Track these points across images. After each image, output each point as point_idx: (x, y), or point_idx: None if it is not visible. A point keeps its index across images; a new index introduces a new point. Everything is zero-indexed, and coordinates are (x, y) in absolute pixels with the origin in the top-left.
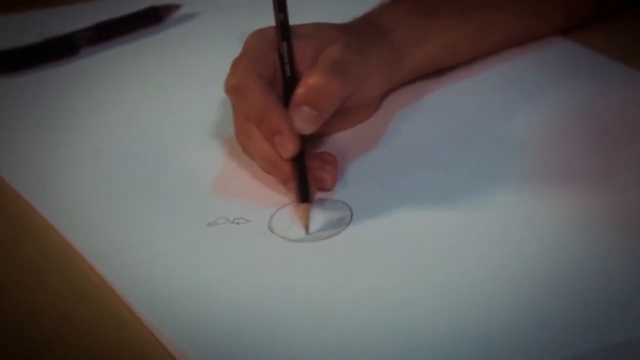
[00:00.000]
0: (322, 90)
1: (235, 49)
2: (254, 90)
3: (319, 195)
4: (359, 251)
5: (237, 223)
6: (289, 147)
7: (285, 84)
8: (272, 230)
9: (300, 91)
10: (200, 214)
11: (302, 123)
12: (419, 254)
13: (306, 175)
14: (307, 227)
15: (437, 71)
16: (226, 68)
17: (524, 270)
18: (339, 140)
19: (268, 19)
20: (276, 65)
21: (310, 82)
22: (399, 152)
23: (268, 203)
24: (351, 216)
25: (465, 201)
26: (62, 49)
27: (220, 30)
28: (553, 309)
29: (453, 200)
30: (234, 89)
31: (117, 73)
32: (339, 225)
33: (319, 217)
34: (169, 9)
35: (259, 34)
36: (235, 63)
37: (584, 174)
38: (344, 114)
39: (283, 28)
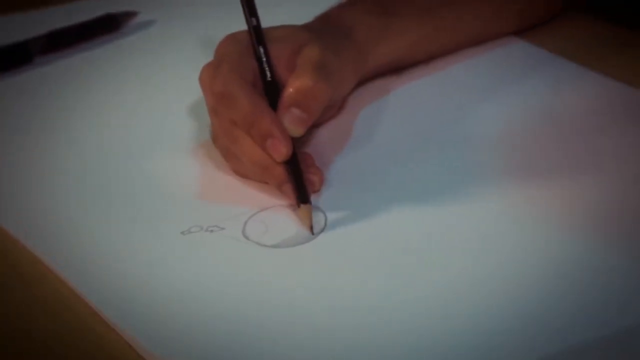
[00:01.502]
0: (310, 92)
1: (194, 56)
2: (242, 96)
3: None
4: (336, 255)
5: (211, 231)
6: (282, 150)
7: (267, 88)
8: (247, 237)
9: (289, 93)
10: (172, 223)
11: (292, 125)
12: (397, 254)
13: (302, 176)
14: (311, 228)
15: (396, 70)
16: (186, 74)
17: (505, 268)
18: (311, 141)
19: (227, 25)
20: (256, 69)
21: (298, 84)
22: (368, 152)
23: (241, 210)
24: (325, 220)
25: (440, 200)
26: (15, 57)
27: (179, 37)
28: (530, 306)
29: (427, 200)
30: (220, 96)
31: (74, 82)
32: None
33: (292, 224)
34: (126, 16)
35: (232, 38)
36: (215, 69)
37: (551, 169)
38: None
39: (257, 32)
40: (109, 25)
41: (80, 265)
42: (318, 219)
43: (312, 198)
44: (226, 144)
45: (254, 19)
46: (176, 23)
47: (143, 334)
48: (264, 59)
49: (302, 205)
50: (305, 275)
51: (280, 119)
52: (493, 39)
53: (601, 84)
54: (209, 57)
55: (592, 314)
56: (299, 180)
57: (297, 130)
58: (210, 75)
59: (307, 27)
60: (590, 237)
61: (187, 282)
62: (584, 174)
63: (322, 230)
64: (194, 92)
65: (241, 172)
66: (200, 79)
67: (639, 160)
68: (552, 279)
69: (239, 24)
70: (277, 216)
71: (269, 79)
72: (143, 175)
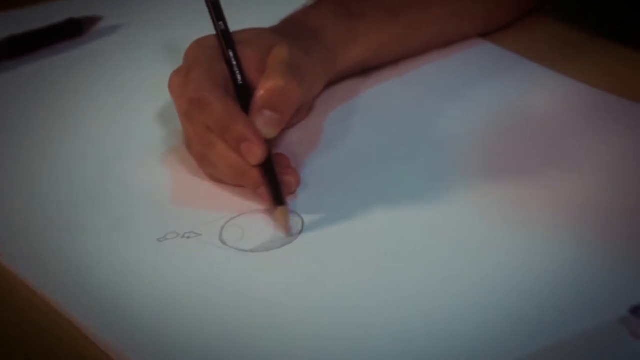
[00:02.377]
0: (282, 93)
1: (161, 61)
2: (215, 101)
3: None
4: (314, 257)
5: (188, 237)
6: (257, 153)
7: (238, 91)
8: (224, 243)
9: (260, 95)
10: (148, 230)
11: (265, 127)
12: (375, 255)
13: (277, 178)
14: (289, 230)
15: (364, 71)
16: (153, 80)
17: (483, 267)
18: (280, 144)
19: (193, 29)
20: (226, 73)
21: (268, 85)
22: (340, 154)
23: (217, 215)
24: (302, 223)
25: (413, 200)
26: None
27: (144, 42)
28: (509, 305)
29: (402, 200)
30: (193, 101)
31: (37, 88)
32: (290, 234)
33: (269, 228)
34: (90, 21)
35: (200, 43)
36: (186, 75)
37: (522, 169)
38: None
39: (225, 36)
40: (72, 31)
41: (55, 273)
42: (295, 222)
43: (289, 201)
44: (201, 149)
45: (221, 23)
46: (141, 28)
47: (122, 341)
48: (234, 63)
49: (278, 208)
50: (284, 279)
51: (254, 122)
52: (459, 40)
53: (564, 85)
54: (175, 62)
55: (567, 312)
56: (274, 183)
57: (270, 132)
58: (180, 81)
59: (275, 29)
60: (565, 235)
61: (166, 289)
62: (554, 172)
63: (299, 233)
64: (161, 97)
65: (216, 177)
66: (170, 86)
67: (605, 157)
68: (531, 278)
69: (205, 28)
70: (253, 221)
71: (240, 82)
72: (115, 182)
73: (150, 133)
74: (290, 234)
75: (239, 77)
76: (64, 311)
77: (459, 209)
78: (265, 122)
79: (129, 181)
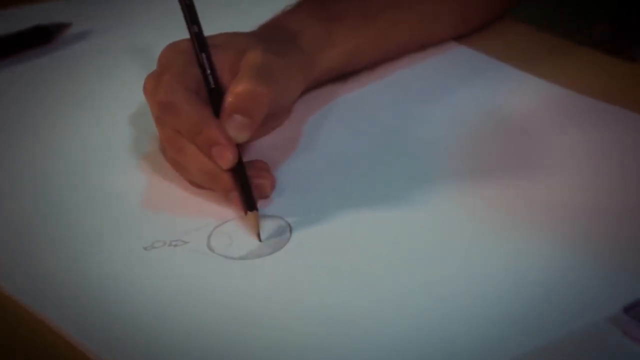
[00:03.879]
0: (251, 97)
1: (131, 67)
2: (185, 105)
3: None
4: (305, 264)
5: (175, 245)
6: (229, 157)
7: (210, 95)
8: (212, 250)
9: (229, 100)
10: (134, 239)
11: (236, 132)
12: (363, 259)
13: (248, 183)
14: (259, 235)
15: (342, 75)
16: (125, 85)
17: (477, 270)
18: (258, 148)
19: (164, 34)
20: (199, 77)
21: (238, 89)
22: (322, 157)
23: (202, 222)
24: (290, 230)
25: (393, 203)
26: None
27: (114, 48)
28: (494, 306)
29: (387, 204)
30: (163, 105)
31: (5, 96)
32: (279, 240)
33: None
34: (59, 28)
35: (173, 47)
36: (158, 78)
37: (501, 170)
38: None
39: (199, 39)
40: (40, 37)
41: (39, 285)
42: (283, 229)
43: (274, 208)
44: (172, 154)
45: (195, 26)
46: (112, 34)
47: (111, 352)
48: (207, 66)
49: (248, 213)
50: (275, 286)
51: (224, 126)
52: (434, 44)
53: (537, 86)
54: (147, 67)
55: (559, 311)
56: (245, 187)
57: (241, 137)
58: (153, 85)
59: (253, 34)
60: (545, 235)
61: (156, 298)
62: (531, 171)
63: (287, 240)
64: (135, 103)
65: (195, 182)
66: (144, 89)
67: (582, 157)
68: (522, 277)
69: (176, 33)
70: (240, 227)
71: (213, 86)
72: (93, 191)
73: (127, 139)
74: (260, 239)
75: (211, 81)
76: (49, 322)
77: (442, 210)
78: (235, 126)
79: (108, 189)
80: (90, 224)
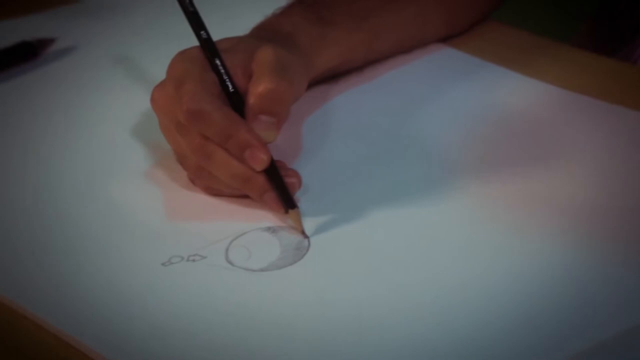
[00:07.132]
0: (273, 96)
1: (118, 80)
2: (214, 111)
3: (269, 223)
4: (325, 273)
5: (193, 260)
6: (262, 158)
7: (231, 100)
8: (231, 263)
9: (252, 102)
10: (150, 255)
11: (264, 132)
12: (384, 266)
13: (283, 182)
14: (303, 232)
15: (333, 76)
16: (114, 100)
17: (493, 274)
18: None
19: (149, 48)
20: (217, 82)
21: (259, 90)
22: (323, 162)
23: (219, 236)
24: (309, 240)
25: (412, 203)
26: None
27: (100, 63)
28: (513, 310)
29: (397, 203)
30: (193, 114)
31: None
32: (298, 250)
33: (276, 245)
34: (44, 44)
35: (184, 56)
36: (177, 88)
37: (498, 170)
38: None
39: (210, 45)
40: (25, 53)
41: (57, 302)
42: (300, 239)
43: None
44: (198, 162)
45: (203, 33)
46: (96, 48)
47: None
48: (223, 71)
49: (290, 211)
50: (298, 297)
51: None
52: (422, 45)
53: (526, 85)
54: (133, 81)
55: (577, 319)
56: (281, 187)
57: (270, 136)
58: (166, 95)
59: (251, 35)
60: (549, 235)
61: (177, 315)
62: (530, 172)
63: (306, 250)
64: (125, 116)
65: (213, 189)
66: (154, 101)
67: (578, 156)
68: (527, 282)
69: (160, 47)
70: (258, 239)
71: (232, 90)
72: (100, 207)
73: (124, 153)
74: (306, 235)
75: (229, 84)
76: (67, 338)
77: (449, 211)
78: (263, 127)
79: (117, 205)
80: (103, 241)
